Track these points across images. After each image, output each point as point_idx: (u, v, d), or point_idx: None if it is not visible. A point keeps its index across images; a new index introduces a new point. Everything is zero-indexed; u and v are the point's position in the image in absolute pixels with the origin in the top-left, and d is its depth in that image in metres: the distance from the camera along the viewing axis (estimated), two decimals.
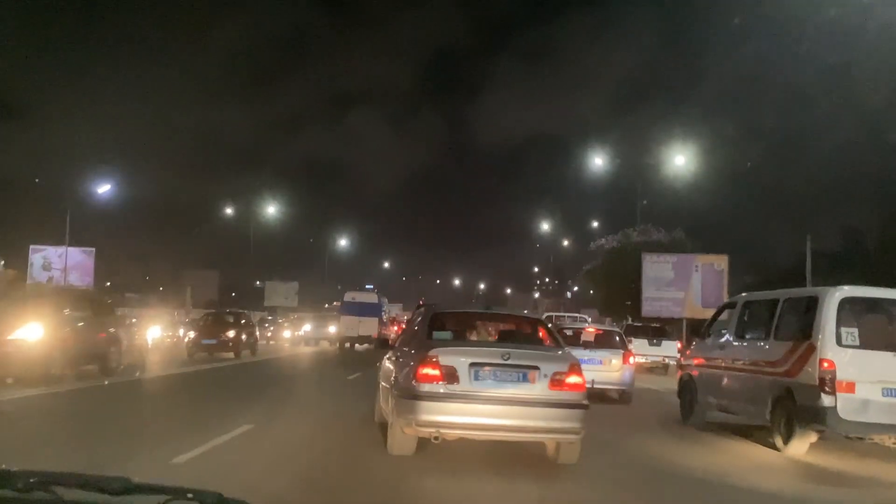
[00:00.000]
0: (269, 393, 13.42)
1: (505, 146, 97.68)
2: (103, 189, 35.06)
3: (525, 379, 6.91)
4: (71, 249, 37.59)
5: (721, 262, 26.51)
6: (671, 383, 17.08)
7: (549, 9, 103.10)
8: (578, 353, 14.04)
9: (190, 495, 1.87)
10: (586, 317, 19.01)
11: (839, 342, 8.19)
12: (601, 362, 13.76)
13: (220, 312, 28.80)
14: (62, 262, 37.56)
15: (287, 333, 41.61)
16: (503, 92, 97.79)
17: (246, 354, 24.18)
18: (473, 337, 8.67)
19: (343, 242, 62.19)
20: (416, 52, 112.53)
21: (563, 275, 75.96)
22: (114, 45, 57.55)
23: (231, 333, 23.65)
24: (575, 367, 7.15)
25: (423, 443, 7.10)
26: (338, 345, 32.66)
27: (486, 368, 6.87)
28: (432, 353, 6.92)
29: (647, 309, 27.11)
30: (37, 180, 34.23)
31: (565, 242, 64.63)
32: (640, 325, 25.41)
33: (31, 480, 1.90)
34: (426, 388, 6.78)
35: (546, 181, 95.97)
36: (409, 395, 6.86)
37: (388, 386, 7.71)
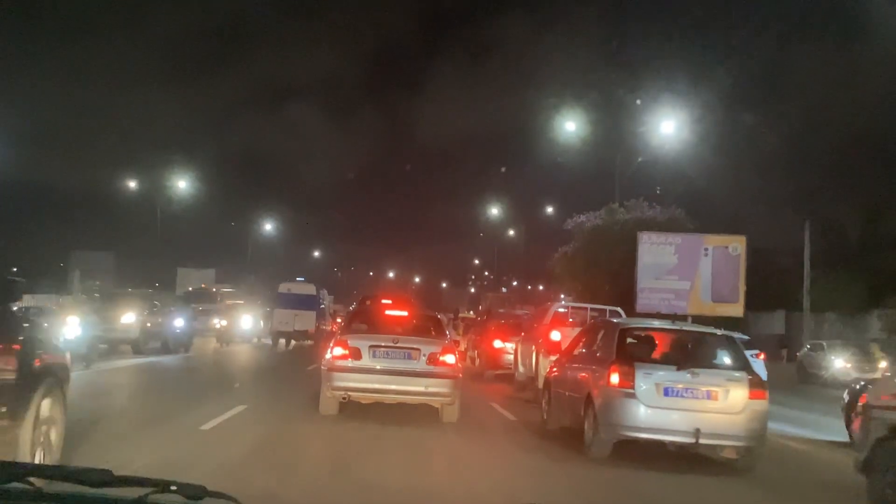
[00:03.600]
0: None
1: (447, 141, 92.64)
2: None
3: (409, 357, 9.36)
4: None
5: (738, 243, 21.24)
6: None
7: (494, 6, 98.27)
8: (663, 375, 7.42)
9: (173, 487, 1.85)
10: (619, 310, 13.33)
11: None
12: (709, 395, 7.59)
13: None
14: None
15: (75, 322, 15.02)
16: (447, 87, 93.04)
17: None
18: (385, 327, 10.40)
19: (272, 232, 57.08)
20: (358, 45, 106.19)
21: (506, 268, 71.90)
22: (40, 19, 50.06)
23: None
24: (447, 349, 9.63)
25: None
26: (271, 342, 30.39)
27: (382, 349, 9.41)
28: (343, 337, 9.71)
29: (643, 303, 21.62)
30: None
31: (511, 232, 60.07)
32: None
33: (11, 472, 1.85)
34: (338, 363, 9.32)
35: (490, 176, 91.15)
36: (328, 367, 9.42)
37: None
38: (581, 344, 9.39)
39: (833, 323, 31.29)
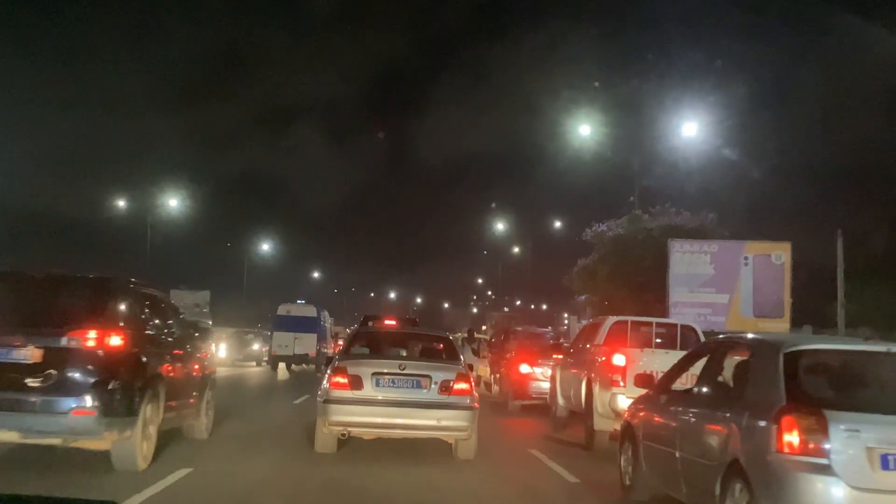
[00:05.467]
0: None
1: (448, 160, 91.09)
2: None
3: (418, 385, 8.25)
4: None
5: (781, 251, 19.30)
6: None
7: (494, 28, 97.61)
8: (878, 433, 4.37)
9: None
10: (695, 326, 11.03)
11: None
12: None
13: None
14: None
15: None
16: (448, 105, 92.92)
17: None
18: (390, 351, 9.67)
19: (271, 253, 56.43)
20: (358, 67, 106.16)
21: (509, 286, 70.60)
22: (39, 47, 49.30)
23: None
24: (462, 376, 8.43)
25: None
26: (269, 366, 29.47)
27: (386, 377, 8.27)
28: (341, 364, 8.53)
29: (676, 319, 19.61)
30: None
31: (515, 249, 58.82)
32: None
33: None
34: (336, 393, 8.23)
35: (493, 194, 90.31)
36: (324, 399, 8.31)
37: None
38: (694, 375, 6.33)
39: (868, 339, 29.56)
